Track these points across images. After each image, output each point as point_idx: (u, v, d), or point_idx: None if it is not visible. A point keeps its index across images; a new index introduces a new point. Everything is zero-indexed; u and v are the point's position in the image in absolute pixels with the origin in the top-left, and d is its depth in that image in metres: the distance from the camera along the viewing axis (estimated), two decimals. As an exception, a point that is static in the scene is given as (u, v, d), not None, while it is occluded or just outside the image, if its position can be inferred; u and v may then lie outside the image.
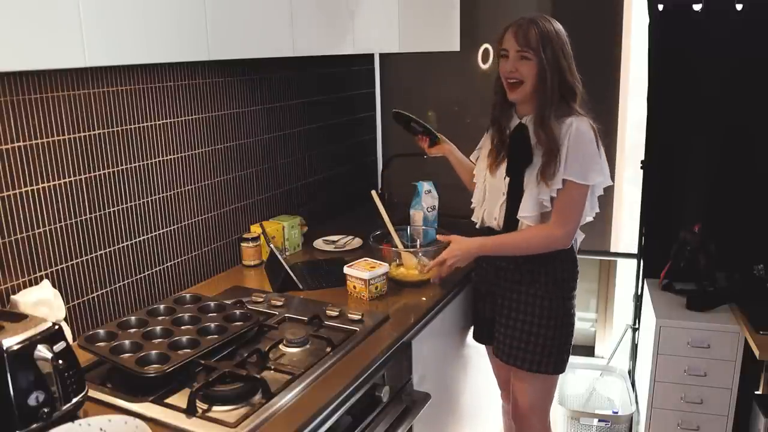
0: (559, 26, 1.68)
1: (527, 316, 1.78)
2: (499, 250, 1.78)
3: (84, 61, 1.15)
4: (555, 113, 1.67)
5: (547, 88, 1.65)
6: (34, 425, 1.11)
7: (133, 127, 1.70)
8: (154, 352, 1.38)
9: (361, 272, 1.79)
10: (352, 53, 1.98)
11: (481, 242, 1.78)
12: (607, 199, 2.72)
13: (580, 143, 1.65)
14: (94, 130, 1.59)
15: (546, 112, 1.66)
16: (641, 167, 2.59)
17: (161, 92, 1.78)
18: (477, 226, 1.91)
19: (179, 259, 1.90)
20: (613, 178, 1.73)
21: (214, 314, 1.58)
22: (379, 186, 2.83)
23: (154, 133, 1.77)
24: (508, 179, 1.75)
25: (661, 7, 2.40)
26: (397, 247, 1.98)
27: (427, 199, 2.32)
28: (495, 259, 1.84)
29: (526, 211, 1.71)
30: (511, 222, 1.76)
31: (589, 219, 1.78)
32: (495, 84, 1.78)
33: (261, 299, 1.78)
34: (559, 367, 1.82)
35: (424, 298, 1.82)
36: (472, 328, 2.07)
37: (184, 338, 1.44)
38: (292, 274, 1.89)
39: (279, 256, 1.92)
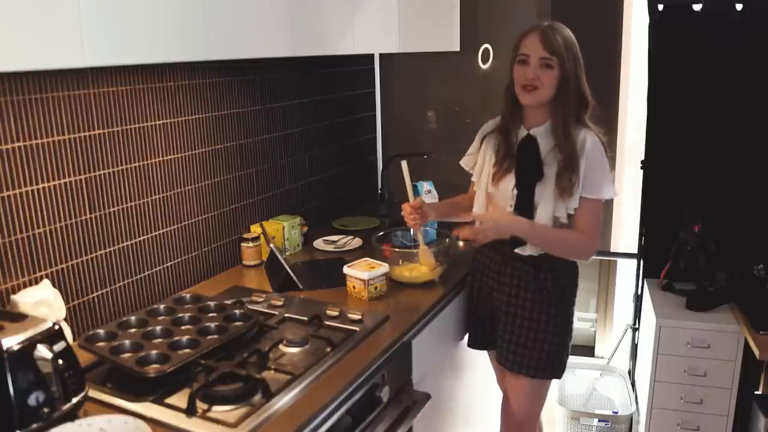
0: (572, 34, 1.67)
1: (532, 323, 1.76)
2: (535, 238, 1.69)
3: (84, 61, 1.15)
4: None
5: (567, 97, 1.64)
6: (34, 425, 1.11)
7: (133, 127, 1.70)
8: (154, 352, 1.37)
9: (360, 272, 1.79)
10: (352, 53, 1.98)
11: (521, 223, 1.68)
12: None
13: (594, 160, 1.65)
14: (94, 130, 1.59)
15: (567, 120, 1.65)
16: (641, 167, 2.59)
17: (161, 92, 1.78)
18: None
19: (179, 259, 1.90)
20: (613, 178, 1.73)
21: (214, 314, 1.58)
22: (379, 186, 2.83)
23: (154, 133, 1.77)
24: (516, 192, 1.72)
25: (661, 7, 2.41)
26: (417, 242, 1.95)
27: (427, 199, 2.32)
28: (496, 266, 1.82)
29: None
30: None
31: None
32: (506, 91, 1.74)
33: (261, 299, 1.77)
34: (559, 373, 1.82)
35: (424, 299, 1.82)
36: (467, 335, 2.04)
37: (184, 338, 1.44)
38: (292, 274, 1.89)
39: (279, 256, 1.92)
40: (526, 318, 1.77)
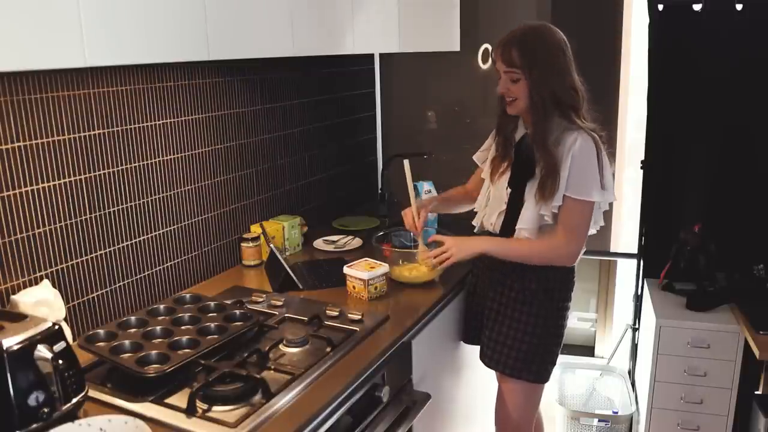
0: (551, 37, 1.63)
1: (513, 321, 1.77)
2: (503, 252, 1.74)
3: (84, 61, 1.15)
4: (556, 129, 1.63)
5: (536, 106, 1.62)
6: (34, 425, 1.11)
7: (133, 127, 1.70)
8: (154, 352, 1.37)
9: (360, 272, 1.79)
10: (352, 53, 1.98)
11: (485, 240, 1.77)
12: (607, 199, 2.72)
13: (582, 160, 1.62)
14: (94, 130, 1.59)
15: (540, 131, 1.63)
16: (641, 167, 2.59)
17: (161, 92, 1.78)
18: (475, 230, 1.90)
19: (179, 259, 1.90)
20: (607, 180, 1.72)
21: (214, 314, 1.58)
22: (379, 186, 2.83)
23: (154, 133, 1.77)
24: (509, 190, 1.74)
25: (661, 7, 2.41)
26: (417, 242, 1.95)
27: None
28: (488, 262, 1.84)
29: (525, 223, 1.70)
30: (507, 230, 1.75)
31: (592, 232, 1.75)
32: (498, 98, 1.75)
33: (261, 299, 1.78)
34: (541, 377, 1.81)
35: (424, 299, 1.82)
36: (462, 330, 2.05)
37: (184, 338, 1.44)
38: (292, 274, 1.89)
39: (279, 256, 1.92)
40: (507, 316, 1.79)
